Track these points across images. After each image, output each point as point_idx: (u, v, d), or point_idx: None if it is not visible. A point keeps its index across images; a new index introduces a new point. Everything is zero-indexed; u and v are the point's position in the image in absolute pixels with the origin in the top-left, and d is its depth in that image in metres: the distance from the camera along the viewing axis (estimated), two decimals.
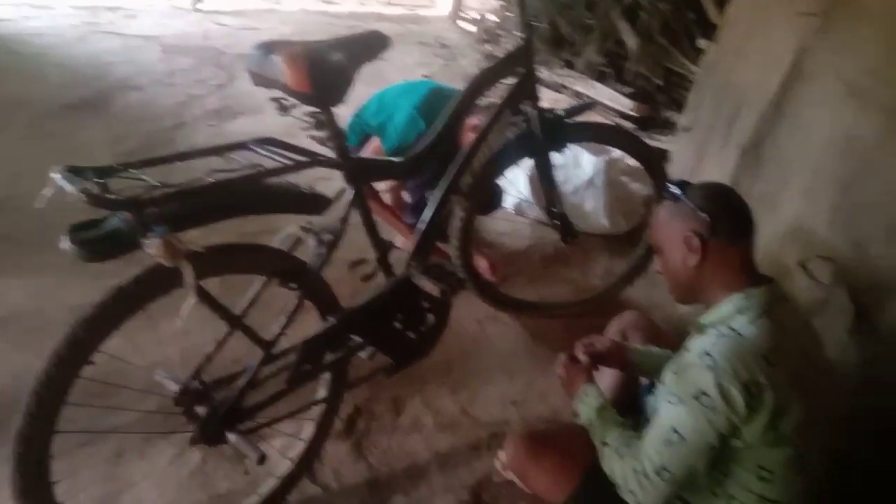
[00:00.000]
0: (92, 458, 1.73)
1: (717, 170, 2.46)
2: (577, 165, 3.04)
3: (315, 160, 1.47)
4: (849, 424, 1.64)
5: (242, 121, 4.03)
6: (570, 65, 4.73)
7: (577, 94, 4.53)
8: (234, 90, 4.48)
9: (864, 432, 1.70)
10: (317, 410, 1.74)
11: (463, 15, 6.70)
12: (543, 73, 4.63)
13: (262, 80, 1.51)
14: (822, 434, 1.37)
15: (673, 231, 1.40)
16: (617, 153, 3.16)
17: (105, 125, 3.75)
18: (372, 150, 2.66)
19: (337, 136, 1.55)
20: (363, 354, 1.74)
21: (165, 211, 1.20)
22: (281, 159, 1.44)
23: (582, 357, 1.67)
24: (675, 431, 1.29)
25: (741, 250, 1.37)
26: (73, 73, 4.36)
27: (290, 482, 1.72)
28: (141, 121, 3.88)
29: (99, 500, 1.63)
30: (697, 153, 2.69)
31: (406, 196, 2.90)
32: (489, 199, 2.62)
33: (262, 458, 1.37)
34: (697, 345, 1.32)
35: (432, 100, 2.52)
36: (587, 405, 1.53)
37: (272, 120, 3.96)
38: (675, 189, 1.40)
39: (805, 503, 1.41)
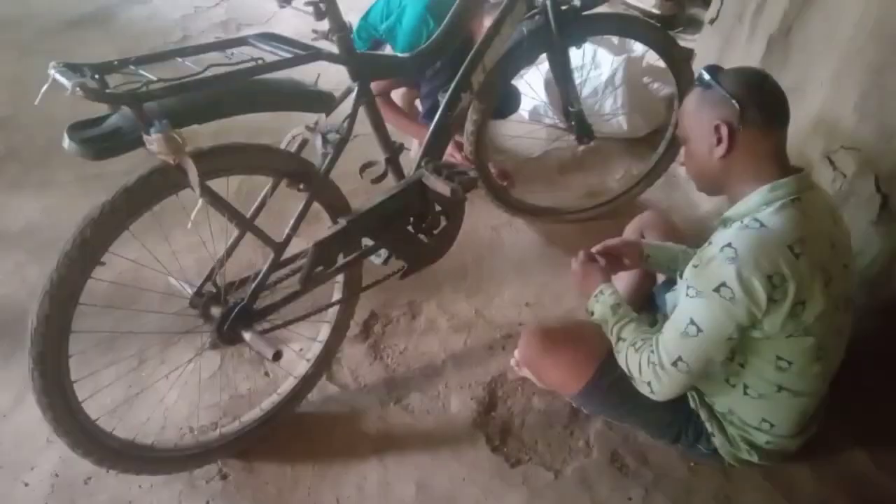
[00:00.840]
0: (113, 362, 1.77)
1: (743, 62, 2.33)
2: (596, 66, 2.92)
3: (318, 54, 1.42)
4: (868, 313, 1.63)
5: (249, 32, 3.89)
6: None
7: None
8: (240, 1, 4.35)
9: (883, 320, 1.68)
10: (332, 312, 1.75)
11: None
12: None
13: None
14: (842, 323, 1.35)
15: (701, 120, 1.33)
16: (637, 51, 3.02)
17: (108, 41, 3.69)
18: None
19: (341, 29, 1.48)
20: (376, 260, 1.73)
21: (166, 106, 1.17)
22: (283, 54, 1.39)
23: (599, 258, 1.65)
24: (693, 323, 1.28)
25: (772, 141, 1.30)
26: None
27: (308, 382, 1.75)
28: (145, 35, 3.80)
29: (120, 401, 1.68)
30: (723, 46, 2.57)
31: (419, 106, 2.82)
32: (505, 101, 2.53)
33: (278, 355, 1.39)
34: (720, 238, 1.29)
35: None
36: (602, 303, 1.52)
37: (281, 31, 3.86)
38: (706, 75, 1.32)
39: (820, 390, 1.41)
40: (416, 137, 2.60)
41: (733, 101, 1.26)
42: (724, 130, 1.28)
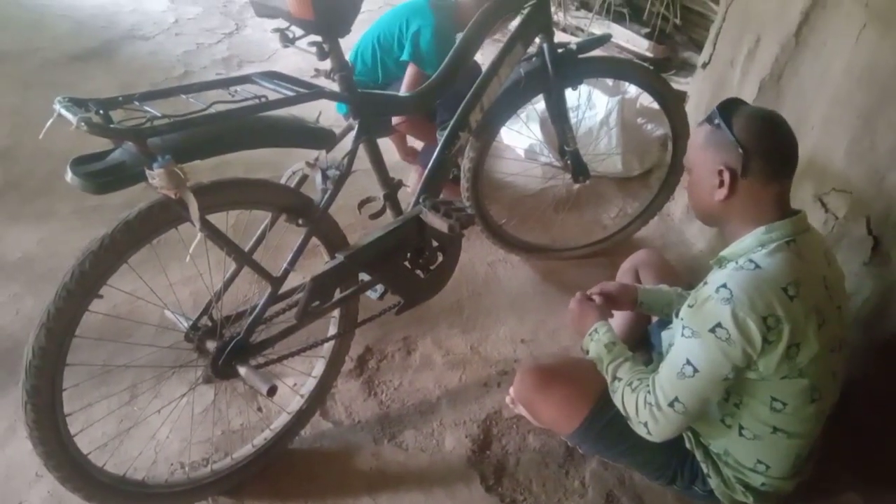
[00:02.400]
0: (106, 395, 1.76)
1: None
2: (591, 107, 2.97)
3: (320, 92, 1.44)
4: (862, 354, 1.63)
5: (251, 69, 3.97)
6: (586, 6, 4.60)
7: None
8: (242, 38, 4.43)
9: (877, 361, 1.68)
10: (327, 348, 1.75)
11: None
12: (559, 15, 4.50)
13: (264, 10, 1.48)
14: (837, 364, 1.36)
15: (706, 158, 1.32)
16: (631, 93, 3.08)
17: (111, 75, 3.73)
18: (412, 78, 2.54)
19: (342, 68, 1.51)
20: (373, 295, 1.74)
21: (168, 142, 1.19)
22: (286, 92, 1.41)
23: (596, 298, 1.65)
24: (689, 364, 1.28)
25: (775, 190, 1.29)
26: (79, 24, 4.32)
27: (302, 418, 1.74)
28: (148, 70, 3.84)
29: (112, 435, 1.67)
30: (715, 90, 2.61)
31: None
32: None
33: (273, 390, 1.38)
34: (715, 278, 1.29)
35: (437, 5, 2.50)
36: (597, 341, 1.52)
37: (282, 68, 3.92)
38: (717, 114, 1.30)
39: (815, 431, 1.40)
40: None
41: (739, 149, 1.25)
42: (727, 176, 1.28)
